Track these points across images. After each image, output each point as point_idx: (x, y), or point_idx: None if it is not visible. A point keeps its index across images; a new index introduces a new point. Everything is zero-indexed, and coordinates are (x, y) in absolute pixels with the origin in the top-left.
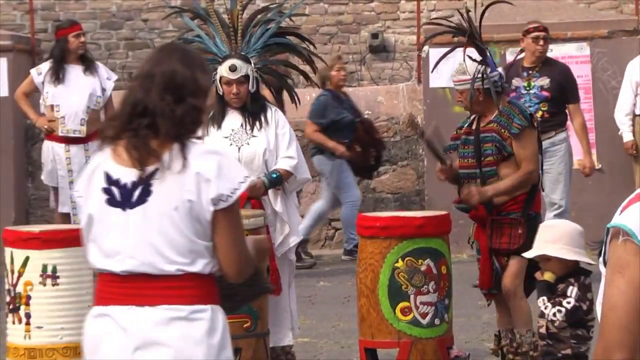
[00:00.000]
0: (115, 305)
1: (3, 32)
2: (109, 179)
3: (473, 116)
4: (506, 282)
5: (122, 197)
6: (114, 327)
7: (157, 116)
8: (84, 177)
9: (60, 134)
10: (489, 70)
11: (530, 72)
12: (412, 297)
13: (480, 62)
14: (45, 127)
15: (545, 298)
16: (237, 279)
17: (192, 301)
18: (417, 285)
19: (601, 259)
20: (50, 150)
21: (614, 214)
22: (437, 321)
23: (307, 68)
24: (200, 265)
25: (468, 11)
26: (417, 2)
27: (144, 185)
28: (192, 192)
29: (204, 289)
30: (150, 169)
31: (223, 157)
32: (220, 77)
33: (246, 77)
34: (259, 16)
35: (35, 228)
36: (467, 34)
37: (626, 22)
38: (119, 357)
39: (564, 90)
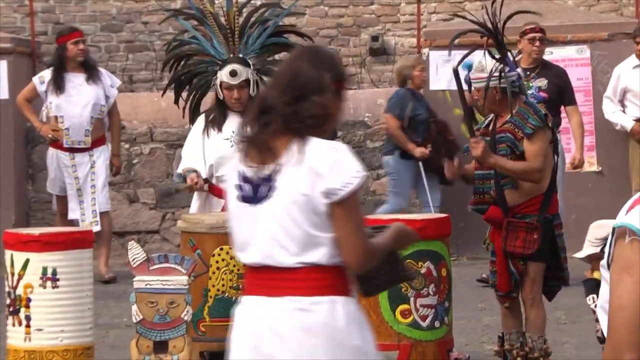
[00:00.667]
0: (251, 295)
1: (3, 34)
2: (241, 176)
3: (490, 117)
4: (527, 289)
5: (251, 193)
6: (250, 316)
7: (276, 113)
8: (228, 174)
9: (65, 145)
10: (507, 69)
11: (528, 73)
12: (412, 299)
13: (499, 61)
14: (50, 135)
15: (594, 296)
16: (358, 268)
17: (311, 293)
18: (417, 288)
19: (604, 261)
20: (55, 158)
21: (614, 216)
22: (437, 324)
23: None
24: (319, 257)
25: (494, 13)
26: (417, 4)
27: (269, 181)
28: (307, 186)
29: (323, 281)
30: (273, 165)
31: (340, 152)
32: (221, 83)
33: (247, 81)
34: (256, 15)
35: (36, 231)
36: (490, 32)
37: (626, 24)
38: (245, 345)
39: (561, 92)
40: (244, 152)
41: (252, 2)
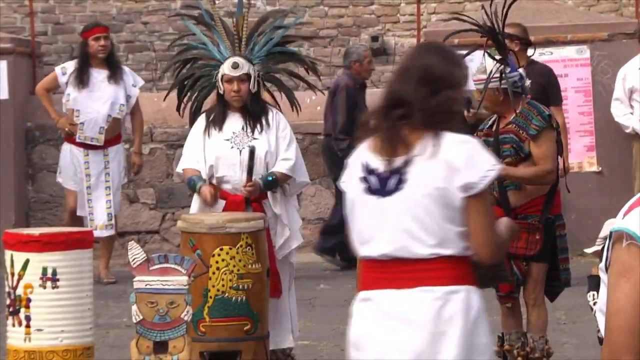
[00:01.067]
0: (375, 289)
1: (3, 34)
2: (367, 169)
3: (493, 118)
4: (529, 290)
5: (379, 185)
6: (375, 310)
7: (412, 107)
8: (348, 167)
9: (77, 140)
10: (508, 70)
11: None
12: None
13: (499, 62)
14: (67, 129)
15: (595, 293)
16: (489, 261)
17: (446, 282)
18: None
19: (602, 264)
20: (69, 153)
21: (614, 216)
22: None
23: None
24: (452, 249)
25: (494, 13)
26: (417, 5)
27: (399, 173)
28: (442, 179)
29: (457, 271)
30: (404, 158)
31: (473, 146)
32: (222, 76)
33: (248, 75)
34: (264, 25)
35: (35, 231)
36: (490, 33)
37: (626, 24)
38: (380, 339)
39: (545, 91)
40: (371, 144)
41: (260, 10)
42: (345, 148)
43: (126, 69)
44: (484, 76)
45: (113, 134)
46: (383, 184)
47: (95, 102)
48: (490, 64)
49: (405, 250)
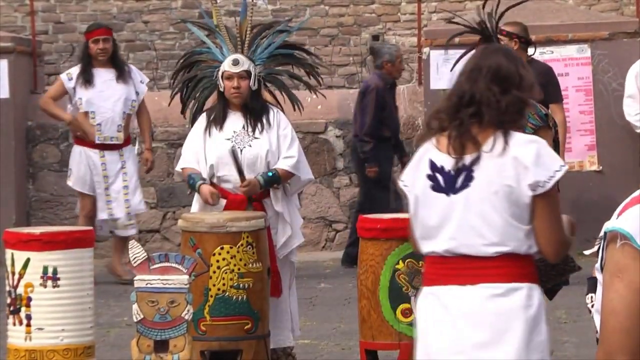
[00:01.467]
0: (439, 285)
1: (4, 33)
2: (433, 167)
3: None
4: None
5: (446, 183)
6: (438, 305)
7: (482, 105)
8: (411, 166)
9: (97, 142)
10: None
11: None
12: (412, 298)
13: None
14: (78, 133)
15: (593, 295)
16: (555, 259)
17: (509, 279)
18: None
19: (598, 264)
20: (83, 156)
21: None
22: None
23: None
24: (516, 247)
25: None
26: (417, 3)
27: (467, 171)
28: (511, 177)
29: (520, 269)
30: (472, 155)
31: (541, 146)
32: (223, 73)
33: (248, 73)
34: (267, 31)
35: (36, 230)
36: (483, 34)
37: (627, 24)
38: (442, 334)
39: (545, 90)
40: (438, 142)
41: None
42: (369, 150)
43: (132, 67)
44: None
45: (127, 134)
46: (451, 182)
47: (108, 100)
48: None
49: (470, 247)
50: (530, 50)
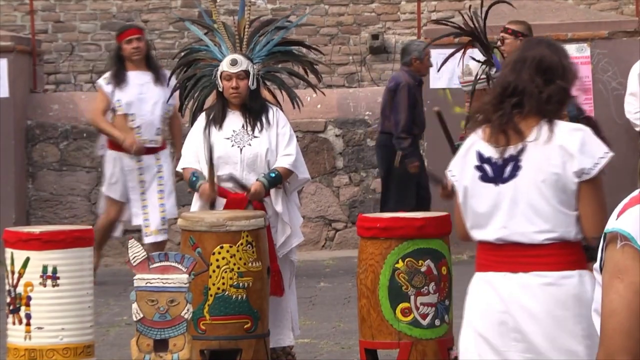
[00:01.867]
0: (492, 271)
1: (3, 33)
2: (481, 158)
3: None
4: None
5: (494, 173)
6: (490, 291)
7: (525, 96)
8: (459, 157)
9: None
10: (494, 70)
11: None
12: (412, 298)
13: (484, 63)
14: (134, 148)
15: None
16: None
17: (560, 267)
18: (418, 286)
19: (596, 265)
20: (118, 161)
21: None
22: (437, 322)
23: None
24: (566, 233)
25: (474, 13)
26: (417, 3)
27: (514, 160)
28: (557, 165)
29: (570, 256)
30: (518, 145)
31: (586, 134)
32: (221, 73)
33: (246, 72)
34: (265, 29)
35: (36, 229)
36: (472, 35)
37: (626, 23)
38: (490, 321)
39: None
40: (484, 133)
41: (262, 15)
42: (408, 146)
43: (165, 71)
44: (470, 78)
45: (164, 137)
46: (498, 172)
47: (147, 103)
48: (474, 65)
49: (521, 235)
50: None
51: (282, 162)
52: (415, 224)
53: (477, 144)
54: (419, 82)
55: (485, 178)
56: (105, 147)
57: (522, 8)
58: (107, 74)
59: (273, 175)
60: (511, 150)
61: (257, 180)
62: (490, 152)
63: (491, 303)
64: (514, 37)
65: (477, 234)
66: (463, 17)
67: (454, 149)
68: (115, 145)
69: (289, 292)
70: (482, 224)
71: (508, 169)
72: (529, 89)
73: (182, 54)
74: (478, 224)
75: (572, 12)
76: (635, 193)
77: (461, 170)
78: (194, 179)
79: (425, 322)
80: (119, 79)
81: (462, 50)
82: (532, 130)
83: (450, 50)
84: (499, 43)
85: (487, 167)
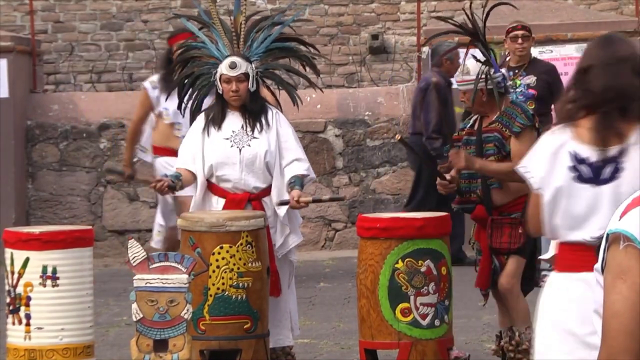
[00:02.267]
0: (586, 272)
1: (3, 33)
2: (576, 158)
3: (475, 117)
4: (502, 280)
5: (592, 174)
6: (588, 291)
7: (628, 98)
8: (542, 157)
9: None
10: (492, 71)
11: (517, 71)
12: (412, 298)
13: (483, 63)
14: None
15: None
16: None
17: None
18: (417, 286)
19: (598, 265)
20: (167, 167)
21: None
22: (437, 322)
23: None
24: None
25: (472, 12)
26: (417, 3)
27: (614, 163)
28: None
29: None
30: (619, 147)
31: None
32: (220, 75)
33: (246, 75)
34: (262, 23)
35: (36, 229)
36: (472, 34)
37: (626, 23)
38: (580, 319)
39: (550, 88)
40: (577, 133)
41: (259, 11)
42: (439, 147)
43: None
44: (468, 77)
45: None
46: (597, 173)
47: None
48: (473, 65)
49: None
50: (533, 50)
51: (299, 168)
52: (415, 224)
53: (568, 144)
54: (449, 83)
55: (581, 179)
56: (149, 152)
57: (522, 8)
58: (154, 77)
59: (301, 182)
60: (611, 152)
61: (293, 190)
62: (587, 153)
63: (584, 303)
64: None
65: (569, 235)
66: (467, 15)
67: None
68: (161, 149)
69: (289, 292)
70: (577, 224)
71: (607, 170)
72: (630, 92)
73: (179, 51)
74: (572, 225)
75: (571, 12)
76: (637, 194)
77: (549, 171)
78: (172, 183)
79: (425, 323)
80: (166, 84)
81: (465, 50)
82: (633, 132)
83: (450, 47)
84: (506, 42)
85: (584, 168)
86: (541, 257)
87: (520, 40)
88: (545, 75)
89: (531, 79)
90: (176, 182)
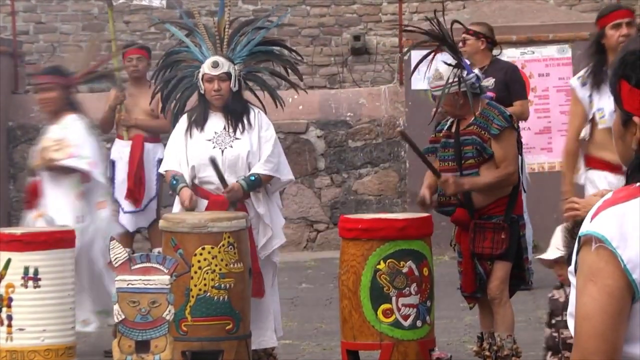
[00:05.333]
0: None
1: None
2: None
3: (451, 119)
4: (492, 287)
5: None
6: None
7: None
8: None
9: None
10: (464, 73)
11: None
12: (393, 299)
13: (455, 66)
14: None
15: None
16: None
17: None
18: (399, 287)
19: (571, 267)
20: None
21: None
22: (419, 323)
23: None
24: None
25: (437, 18)
26: (398, 4)
27: None
28: None
29: None
30: None
31: None
32: (203, 75)
33: (228, 74)
34: (245, 28)
35: (17, 230)
36: (440, 39)
37: None
38: None
39: (508, 88)
40: None
41: (242, 16)
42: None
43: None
44: (441, 82)
45: None
46: None
47: None
48: (444, 69)
49: None
50: (495, 51)
51: (262, 168)
52: (397, 225)
53: None
54: None
55: None
56: None
57: (504, 9)
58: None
59: (253, 178)
60: None
61: (236, 181)
62: None
63: None
64: (476, 39)
65: None
66: (430, 21)
67: (427, 162)
68: None
69: (272, 294)
70: None
71: None
72: None
73: (164, 56)
74: None
75: (553, 14)
76: (608, 196)
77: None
78: (175, 182)
79: (406, 323)
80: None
81: (432, 55)
82: None
83: (427, 52)
84: (460, 44)
85: None
86: (541, 256)
87: (466, 42)
88: (503, 76)
89: (489, 81)
90: (187, 184)
